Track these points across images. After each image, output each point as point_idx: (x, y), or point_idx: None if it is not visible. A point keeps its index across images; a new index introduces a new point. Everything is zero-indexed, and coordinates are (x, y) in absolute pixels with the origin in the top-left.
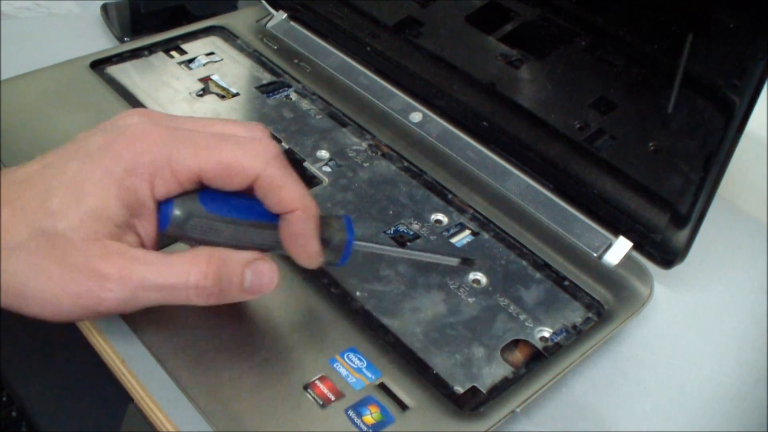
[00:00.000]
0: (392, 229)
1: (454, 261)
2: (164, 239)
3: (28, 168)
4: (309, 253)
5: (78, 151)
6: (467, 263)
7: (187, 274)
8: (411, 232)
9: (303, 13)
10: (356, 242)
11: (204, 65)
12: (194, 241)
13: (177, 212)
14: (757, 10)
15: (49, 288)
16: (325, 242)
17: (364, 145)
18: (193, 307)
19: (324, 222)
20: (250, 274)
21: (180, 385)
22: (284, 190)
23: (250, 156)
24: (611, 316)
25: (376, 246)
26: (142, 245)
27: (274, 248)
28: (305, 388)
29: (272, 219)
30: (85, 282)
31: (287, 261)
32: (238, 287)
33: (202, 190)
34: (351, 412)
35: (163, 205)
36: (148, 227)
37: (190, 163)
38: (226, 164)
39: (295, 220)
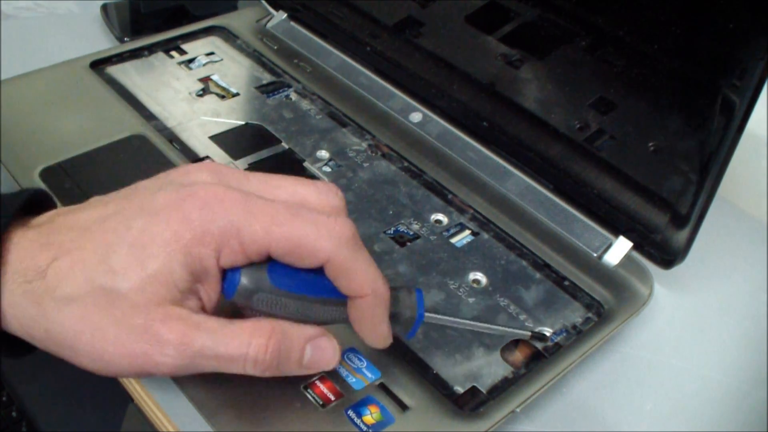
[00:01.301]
0: (392, 229)
1: (525, 334)
2: (225, 302)
3: (86, 214)
4: (377, 335)
5: (143, 207)
6: (540, 338)
7: (247, 346)
8: (411, 233)
9: (303, 13)
10: (427, 314)
11: (204, 65)
12: (259, 313)
13: (245, 283)
14: (757, 10)
15: (103, 346)
16: (394, 316)
17: (364, 145)
18: None
19: (394, 296)
20: (310, 351)
21: (180, 385)
22: (355, 274)
23: (323, 237)
24: (611, 316)
25: (448, 319)
26: (203, 309)
27: (340, 323)
28: (305, 388)
29: (341, 296)
30: (143, 345)
31: None
32: (296, 363)
33: (271, 263)
34: (351, 412)
35: (230, 273)
36: (210, 293)
37: (261, 238)
38: (297, 244)
39: (365, 306)
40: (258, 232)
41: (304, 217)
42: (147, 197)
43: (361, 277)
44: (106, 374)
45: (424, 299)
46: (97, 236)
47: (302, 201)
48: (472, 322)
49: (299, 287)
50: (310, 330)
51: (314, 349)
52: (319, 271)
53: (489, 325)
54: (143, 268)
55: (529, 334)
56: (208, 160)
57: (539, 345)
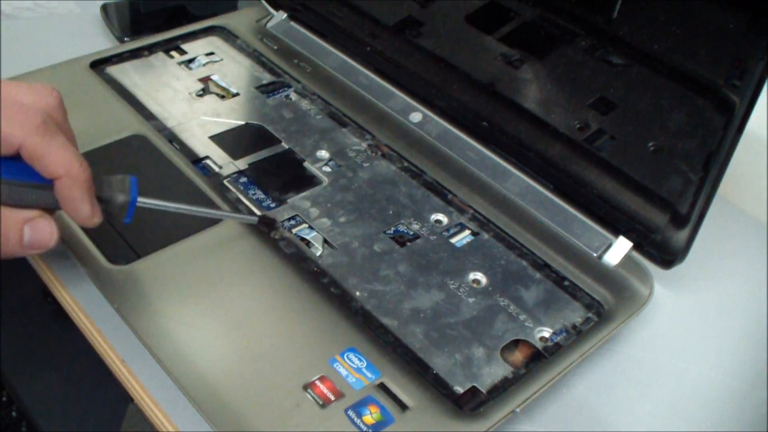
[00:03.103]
0: (392, 229)
1: (253, 219)
2: None
3: None
4: (81, 215)
5: None
6: (267, 224)
7: None
8: (411, 233)
9: (303, 13)
10: (140, 200)
11: (204, 65)
12: None
13: None
14: (757, 10)
15: None
16: (109, 201)
17: (364, 145)
18: (194, 307)
19: (108, 182)
20: (29, 231)
21: (180, 385)
22: (47, 158)
23: (13, 125)
24: (611, 316)
25: (160, 203)
26: None
27: (56, 207)
28: (305, 388)
29: (48, 181)
30: None
31: (290, 264)
32: (17, 243)
33: None
34: (351, 412)
35: None
36: None
37: None
38: None
39: (61, 187)
40: None
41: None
42: None
43: (54, 160)
44: None
45: (138, 187)
46: None
47: (14, 99)
48: (186, 206)
49: (7, 173)
50: (26, 213)
51: (32, 229)
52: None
53: (201, 208)
54: None
55: (257, 219)
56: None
57: (266, 230)
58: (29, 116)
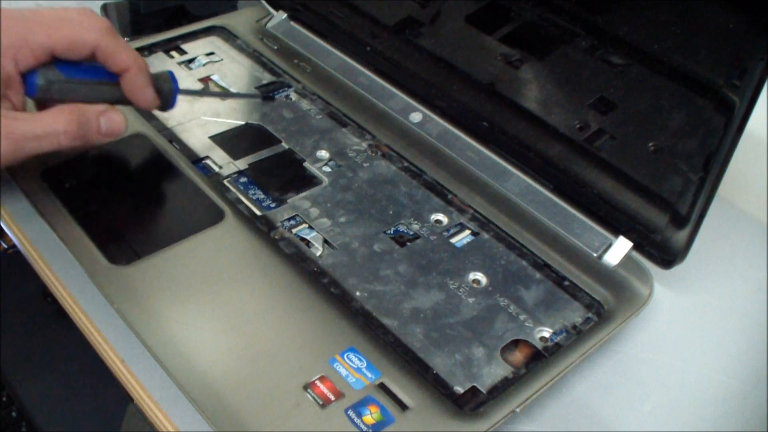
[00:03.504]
0: (392, 229)
1: (257, 95)
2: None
3: None
4: (145, 99)
5: None
6: (269, 99)
7: (56, 123)
8: (411, 232)
9: (303, 13)
10: (181, 88)
11: (204, 65)
12: (58, 102)
13: (41, 81)
14: (757, 10)
15: None
16: (157, 91)
17: (364, 145)
18: (194, 307)
19: (154, 76)
20: (105, 121)
21: (180, 385)
22: (118, 54)
23: (87, 32)
24: (611, 316)
25: (198, 91)
26: (15, 110)
27: (121, 101)
28: (305, 388)
29: (115, 78)
30: None
31: (291, 266)
32: (96, 131)
33: (59, 62)
34: (351, 412)
35: (29, 76)
36: (18, 95)
37: (44, 41)
38: (71, 40)
39: (131, 76)
40: (40, 37)
41: (71, 20)
42: None
43: (123, 55)
44: None
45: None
46: None
47: (71, 16)
48: (211, 93)
49: (83, 75)
50: (100, 106)
51: (107, 119)
52: (96, 64)
53: (219, 93)
54: None
55: (259, 94)
56: None
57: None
58: (98, 22)
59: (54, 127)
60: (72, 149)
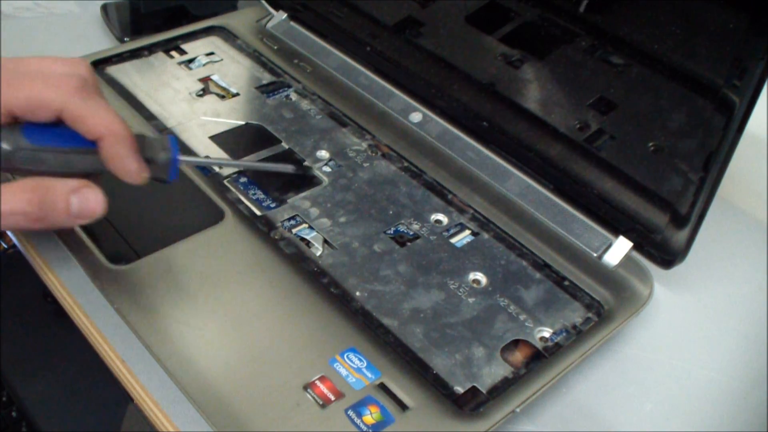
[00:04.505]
0: (392, 229)
1: (289, 167)
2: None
3: None
4: (128, 171)
5: None
6: (303, 169)
7: (13, 202)
8: (411, 232)
9: (303, 13)
10: (182, 158)
11: (204, 65)
12: (25, 172)
13: (4, 146)
14: (757, 10)
15: None
16: (149, 161)
17: (364, 145)
18: (194, 307)
19: (147, 142)
20: (76, 200)
21: (180, 385)
22: (89, 119)
23: (51, 90)
24: (611, 316)
25: (202, 160)
26: None
27: (101, 170)
28: (305, 388)
29: (93, 144)
30: None
31: (290, 264)
32: (64, 213)
33: (26, 125)
34: (351, 412)
35: None
36: None
37: (1, 101)
38: (30, 99)
39: (106, 146)
40: None
41: (37, 76)
42: None
43: (96, 121)
44: None
45: (178, 151)
46: None
47: (48, 70)
48: (230, 161)
49: (53, 140)
50: (73, 182)
51: (80, 198)
52: (68, 125)
53: (248, 162)
54: None
55: (293, 167)
56: None
57: (301, 172)
58: (67, 81)
59: (10, 207)
60: (34, 230)
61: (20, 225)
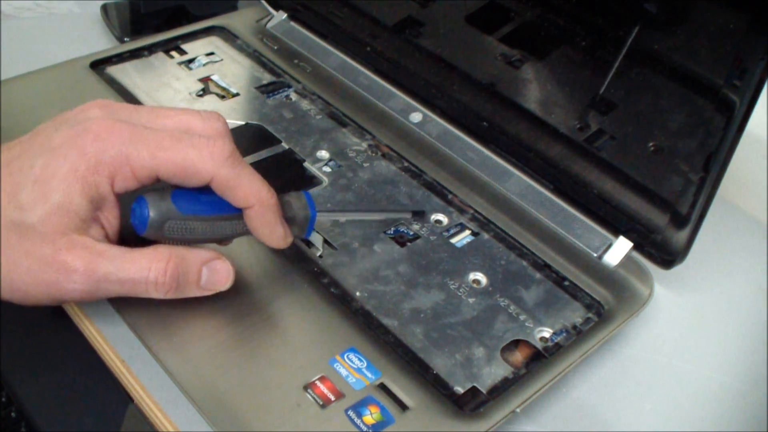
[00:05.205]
0: (392, 229)
1: (407, 214)
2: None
3: None
4: (275, 238)
5: (43, 146)
6: (418, 214)
7: (147, 270)
8: (411, 233)
9: (303, 13)
10: (319, 214)
11: (204, 65)
12: (171, 242)
13: (153, 216)
14: (757, 10)
15: (19, 277)
16: (290, 220)
17: (364, 145)
18: (194, 308)
19: (286, 203)
20: (207, 272)
21: (180, 385)
22: (239, 189)
23: (204, 158)
24: (611, 316)
25: (338, 213)
26: (107, 237)
27: (244, 235)
28: (305, 388)
29: (238, 210)
30: (52, 274)
31: (290, 264)
32: (194, 284)
33: (174, 192)
34: (351, 412)
35: (137, 207)
36: (111, 219)
37: (148, 163)
38: (181, 166)
39: (255, 215)
40: (145, 157)
41: (186, 141)
42: (46, 137)
43: (245, 191)
44: (26, 303)
45: (314, 201)
46: (6, 178)
47: (187, 128)
48: (360, 212)
49: (203, 209)
50: (205, 254)
51: (210, 270)
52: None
53: (374, 212)
54: (46, 200)
55: (409, 214)
56: (99, 98)
57: (416, 224)
58: (218, 148)
59: (144, 275)
60: (161, 299)
61: (151, 294)
